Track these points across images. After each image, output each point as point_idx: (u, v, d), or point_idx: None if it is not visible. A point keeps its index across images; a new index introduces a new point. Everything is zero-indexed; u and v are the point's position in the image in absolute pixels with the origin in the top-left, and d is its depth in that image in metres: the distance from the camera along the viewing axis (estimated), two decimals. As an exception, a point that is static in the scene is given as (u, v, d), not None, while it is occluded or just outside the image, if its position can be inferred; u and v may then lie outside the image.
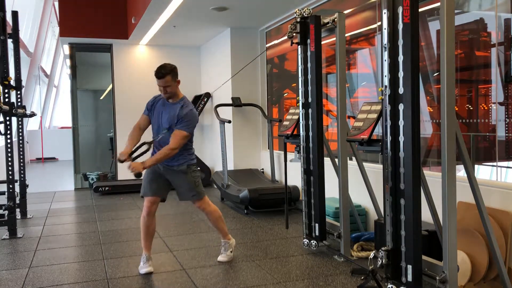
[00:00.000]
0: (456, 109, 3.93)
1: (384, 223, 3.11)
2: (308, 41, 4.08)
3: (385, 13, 3.00)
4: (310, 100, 4.12)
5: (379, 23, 4.88)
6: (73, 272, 3.83)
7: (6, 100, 5.12)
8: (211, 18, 6.59)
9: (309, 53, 4.09)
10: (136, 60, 8.63)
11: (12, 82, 5.42)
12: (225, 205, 6.49)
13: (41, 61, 14.85)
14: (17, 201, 5.43)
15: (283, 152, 4.84)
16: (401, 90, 2.92)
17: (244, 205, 5.89)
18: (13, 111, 5.18)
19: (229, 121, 6.93)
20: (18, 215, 5.71)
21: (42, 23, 14.30)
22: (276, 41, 7.28)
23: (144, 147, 3.63)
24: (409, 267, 2.91)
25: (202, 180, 3.90)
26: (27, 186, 6.13)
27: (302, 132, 4.25)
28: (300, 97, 4.23)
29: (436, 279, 2.86)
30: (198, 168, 3.86)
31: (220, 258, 3.98)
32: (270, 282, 3.46)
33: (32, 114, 6.23)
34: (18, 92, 5.80)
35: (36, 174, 11.48)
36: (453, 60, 2.79)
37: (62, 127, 17.78)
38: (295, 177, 5.48)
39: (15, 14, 5.97)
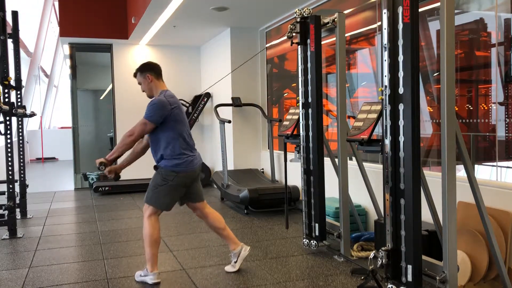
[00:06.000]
0: (456, 109, 3.93)
1: (384, 223, 3.12)
2: (308, 41, 4.07)
3: (385, 13, 3.00)
4: (310, 100, 4.12)
5: (379, 23, 4.88)
6: (73, 272, 3.83)
7: (6, 100, 5.12)
8: (211, 18, 6.59)
9: (309, 53, 4.09)
10: (136, 60, 8.62)
11: (12, 82, 5.42)
12: (225, 205, 6.49)
13: (41, 61, 14.84)
14: (17, 201, 5.43)
15: (283, 152, 4.84)
16: (401, 90, 2.92)
17: (244, 205, 5.89)
18: (13, 111, 5.17)
19: (229, 121, 6.93)
20: (18, 215, 5.72)
21: (42, 23, 14.30)
22: (276, 41, 7.28)
23: None
24: (409, 267, 2.91)
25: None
26: (27, 186, 6.13)
27: (302, 132, 4.25)
28: (300, 97, 4.23)
29: (436, 279, 2.85)
30: (175, 174, 3.46)
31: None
32: (270, 282, 3.46)
33: (32, 114, 6.23)
34: (18, 92, 5.81)
35: (36, 174, 11.47)
36: (453, 60, 2.79)
37: (62, 127, 17.77)
38: (295, 177, 5.48)
39: (15, 14, 5.97)
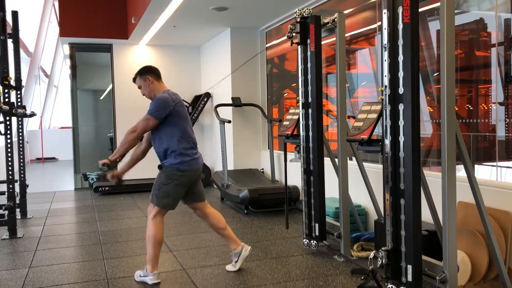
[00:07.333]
0: (456, 109, 3.93)
1: (384, 223, 3.12)
2: (308, 41, 4.07)
3: (385, 13, 3.00)
4: (310, 100, 4.12)
5: (379, 23, 4.88)
6: (73, 272, 3.83)
7: (6, 100, 5.12)
8: (211, 18, 6.59)
9: (309, 53, 4.09)
10: (136, 60, 8.63)
11: (12, 82, 5.42)
12: (225, 205, 6.49)
13: (41, 61, 14.84)
14: (17, 201, 5.44)
15: (283, 152, 4.84)
16: (401, 90, 2.92)
17: (244, 205, 5.89)
18: (13, 111, 5.17)
19: (229, 121, 6.93)
20: (18, 215, 5.72)
21: (42, 23, 14.30)
22: (276, 41, 7.28)
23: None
24: (409, 267, 2.91)
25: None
26: (27, 186, 6.13)
27: (302, 132, 4.25)
28: (300, 97, 4.23)
29: (436, 279, 2.86)
30: (180, 172, 3.45)
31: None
32: (270, 282, 3.46)
33: (32, 114, 6.23)
34: (18, 92, 5.81)
35: (36, 174, 11.47)
36: (453, 60, 2.79)
37: (62, 127, 17.77)
38: (295, 177, 5.48)
39: (15, 14, 5.97)
